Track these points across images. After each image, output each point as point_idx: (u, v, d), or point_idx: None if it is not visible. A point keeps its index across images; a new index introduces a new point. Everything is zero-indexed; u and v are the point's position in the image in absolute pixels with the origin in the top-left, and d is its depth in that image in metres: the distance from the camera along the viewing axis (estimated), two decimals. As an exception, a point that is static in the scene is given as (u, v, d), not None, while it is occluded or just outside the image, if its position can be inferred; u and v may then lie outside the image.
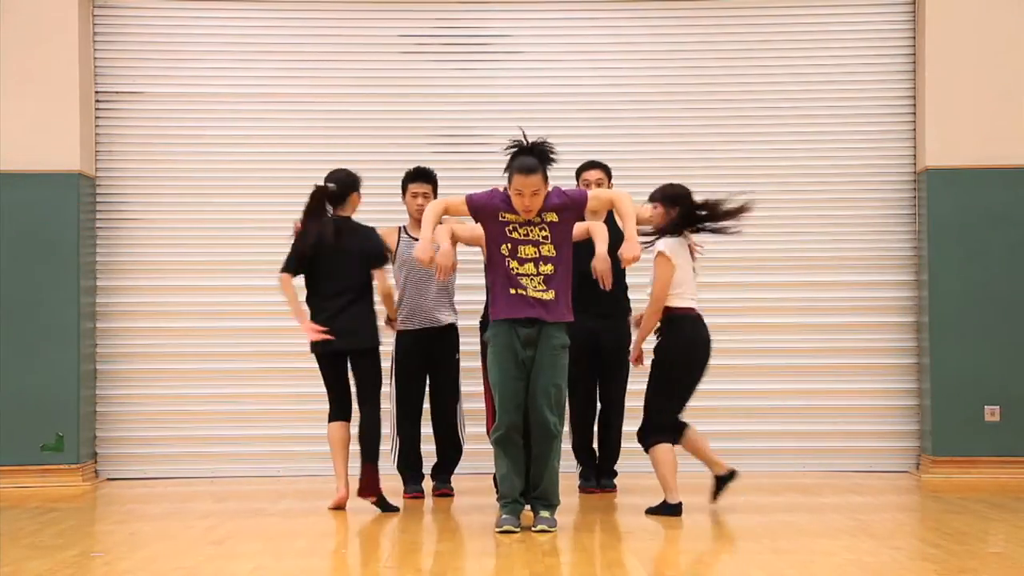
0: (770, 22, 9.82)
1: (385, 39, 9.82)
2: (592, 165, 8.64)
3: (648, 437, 7.53)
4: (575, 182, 8.60)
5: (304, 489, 8.84)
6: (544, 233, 6.97)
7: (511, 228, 6.98)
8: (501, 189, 7.13)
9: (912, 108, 9.75)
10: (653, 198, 7.70)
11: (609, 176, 8.64)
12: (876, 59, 9.81)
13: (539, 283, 6.97)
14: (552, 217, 6.98)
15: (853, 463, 9.59)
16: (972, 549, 6.53)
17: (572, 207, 7.05)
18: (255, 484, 9.18)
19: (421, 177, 8.61)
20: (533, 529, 6.93)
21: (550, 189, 7.02)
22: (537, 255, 6.96)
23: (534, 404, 6.98)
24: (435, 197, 8.48)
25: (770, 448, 9.59)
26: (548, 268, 6.97)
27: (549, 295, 6.97)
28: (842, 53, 9.82)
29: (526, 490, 7.16)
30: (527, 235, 6.97)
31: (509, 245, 6.98)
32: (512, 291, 6.98)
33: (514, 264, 6.97)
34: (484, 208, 7.05)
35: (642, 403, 7.62)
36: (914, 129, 9.72)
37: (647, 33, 9.85)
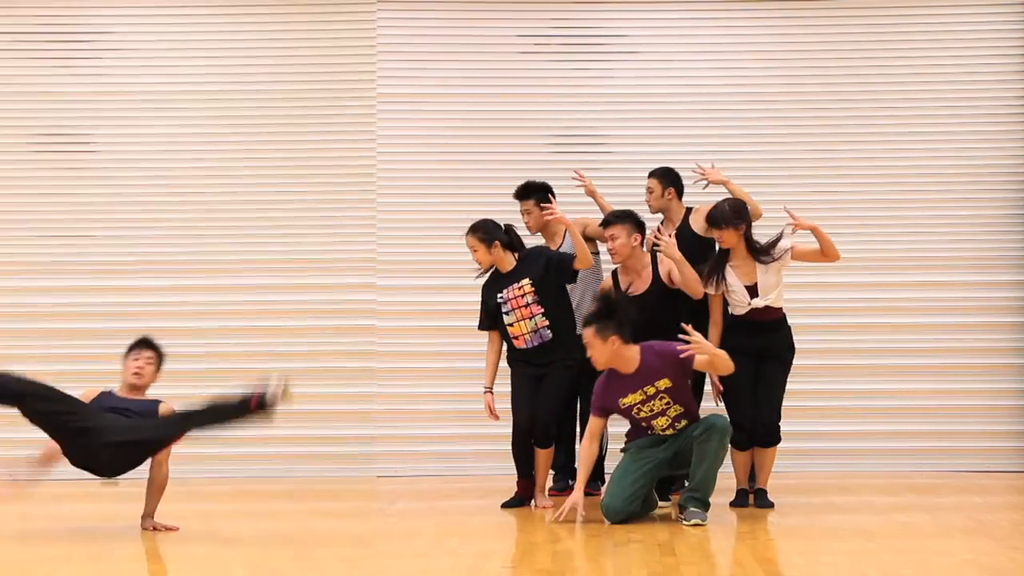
0: (888, 22, 9.80)
1: (503, 39, 9.89)
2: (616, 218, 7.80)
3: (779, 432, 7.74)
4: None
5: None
6: (665, 400, 7.11)
7: (636, 410, 7.15)
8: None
9: (1027, 106, 9.71)
10: None
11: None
12: (991, 58, 9.77)
13: (668, 424, 7.19)
14: (665, 383, 7.09)
15: (970, 463, 9.52)
16: (1093, 551, 6.49)
17: (679, 367, 7.09)
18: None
19: (519, 195, 8.32)
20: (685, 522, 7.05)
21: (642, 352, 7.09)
22: (669, 422, 7.17)
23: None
24: (539, 205, 8.09)
25: (887, 448, 9.56)
26: (677, 410, 7.14)
27: (682, 424, 7.18)
28: (958, 52, 9.78)
29: None
30: (652, 411, 7.13)
31: (642, 422, 7.22)
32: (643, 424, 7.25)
33: (651, 423, 7.21)
34: (605, 407, 7.24)
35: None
36: (1030, 127, 9.69)
37: (764, 32, 9.88)
